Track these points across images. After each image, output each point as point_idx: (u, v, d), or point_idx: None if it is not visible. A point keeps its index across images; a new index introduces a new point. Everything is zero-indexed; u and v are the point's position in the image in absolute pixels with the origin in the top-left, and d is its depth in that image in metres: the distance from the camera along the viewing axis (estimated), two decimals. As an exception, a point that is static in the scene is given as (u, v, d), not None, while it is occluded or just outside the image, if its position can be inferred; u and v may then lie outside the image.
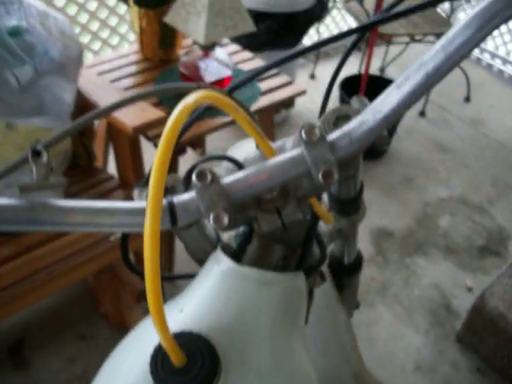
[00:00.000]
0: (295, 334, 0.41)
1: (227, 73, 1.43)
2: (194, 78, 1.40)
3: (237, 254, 0.42)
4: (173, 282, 1.53)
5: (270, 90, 1.50)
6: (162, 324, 0.32)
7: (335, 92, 2.29)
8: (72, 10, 2.06)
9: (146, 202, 0.32)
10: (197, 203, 0.35)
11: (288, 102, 1.52)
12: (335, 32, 3.03)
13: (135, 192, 0.41)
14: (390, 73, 2.90)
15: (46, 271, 1.14)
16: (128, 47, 1.92)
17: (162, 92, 0.42)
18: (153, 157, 0.32)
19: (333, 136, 0.37)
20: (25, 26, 1.06)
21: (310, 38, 2.88)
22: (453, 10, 2.71)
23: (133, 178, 1.31)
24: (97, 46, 2.25)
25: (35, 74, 1.05)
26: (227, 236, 0.47)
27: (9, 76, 1.02)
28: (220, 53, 1.43)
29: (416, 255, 1.88)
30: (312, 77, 2.83)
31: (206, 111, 0.48)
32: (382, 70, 2.95)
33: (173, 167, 1.40)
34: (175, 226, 0.36)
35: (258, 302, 0.39)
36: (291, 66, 2.31)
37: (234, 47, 1.70)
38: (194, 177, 0.35)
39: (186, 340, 0.35)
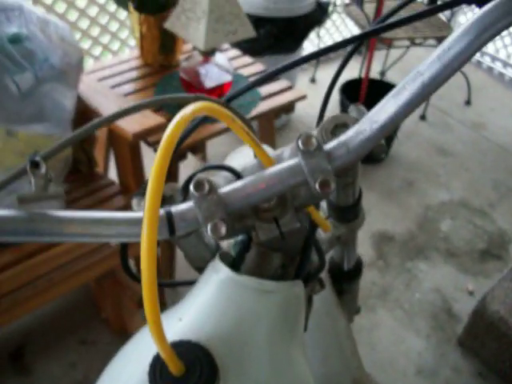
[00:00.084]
0: (294, 341, 0.41)
1: (227, 78, 1.43)
2: (195, 84, 1.40)
3: (235, 263, 0.42)
4: (174, 288, 1.53)
5: (270, 95, 1.50)
6: (160, 334, 0.32)
7: (336, 96, 2.29)
8: (73, 15, 2.07)
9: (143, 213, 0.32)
10: (195, 213, 0.35)
11: (288, 107, 1.52)
12: (336, 36, 3.04)
13: (134, 201, 0.41)
14: (390, 76, 2.90)
15: (47, 277, 1.14)
16: (128, 53, 1.92)
17: (161, 103, 0.42)
18: (153, 162, 0.32)
19: (330, 145, 0.37)
20: (25, 33, 1.07)
21: (310, 43, 2.88)
22: (453, 14, 2.71)
23: (133, 183, 1.31)
24: (97, 51, 2.26)
25: (35, 81, 1.06)
26: (226, 243, 0.47)
27: (9, 83, 1.02)
28: (220, 58, 1.43)
29: (417, 259, 1.88)
30: (313, 81, 2.83)
31: (206, 117, 0.48)
32: (383, 73, 2.95)
33: (173, 173, 1.41)
34: (173, 236, 0.36)
35: (256, 311, 0.39)
36: (292, 70, 2.31)
37: (234, 52, 1.70)
38: (191, 187, 0.35)
39: (185, 349, 0.35)
